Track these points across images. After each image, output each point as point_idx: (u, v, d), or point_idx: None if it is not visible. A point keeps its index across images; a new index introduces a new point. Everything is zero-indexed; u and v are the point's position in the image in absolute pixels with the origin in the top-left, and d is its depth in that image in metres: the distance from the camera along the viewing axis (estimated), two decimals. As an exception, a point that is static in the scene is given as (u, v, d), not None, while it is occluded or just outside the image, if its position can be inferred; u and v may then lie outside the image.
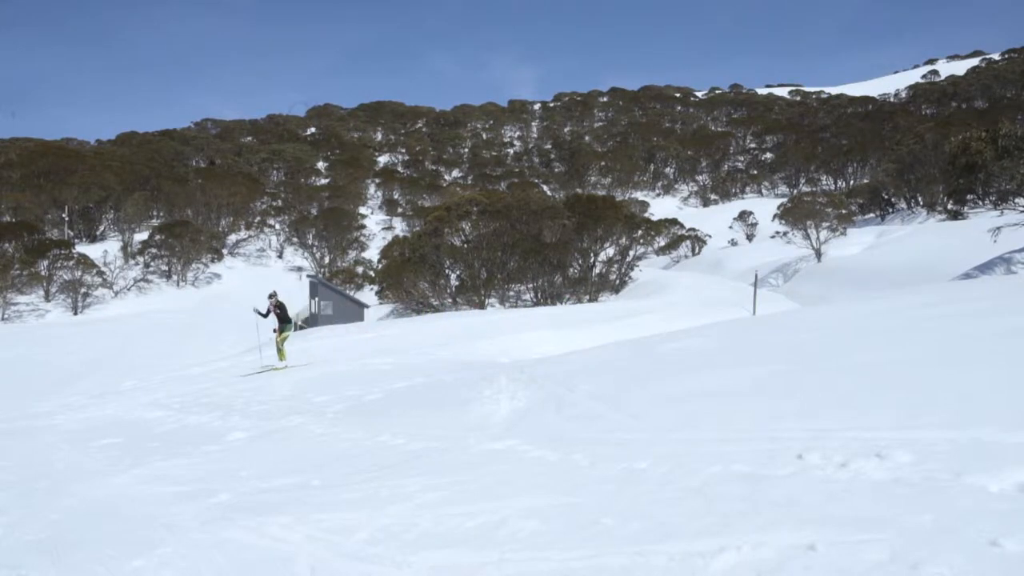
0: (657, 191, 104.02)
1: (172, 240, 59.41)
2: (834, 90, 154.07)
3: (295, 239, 73.12)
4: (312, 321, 43.39)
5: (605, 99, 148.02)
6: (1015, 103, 79.84)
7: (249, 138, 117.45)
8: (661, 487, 3.89)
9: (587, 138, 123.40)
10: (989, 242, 19.49)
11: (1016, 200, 17.90)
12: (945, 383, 5.29)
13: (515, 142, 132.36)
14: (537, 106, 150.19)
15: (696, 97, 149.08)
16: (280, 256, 73.60)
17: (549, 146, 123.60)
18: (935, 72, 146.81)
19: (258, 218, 78.26)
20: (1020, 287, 10.42)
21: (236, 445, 7.34)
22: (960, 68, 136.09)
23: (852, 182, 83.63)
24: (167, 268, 59.91)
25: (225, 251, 69.64)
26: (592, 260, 41.28)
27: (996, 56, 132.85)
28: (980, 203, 20.38)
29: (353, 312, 44.43)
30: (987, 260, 21.03)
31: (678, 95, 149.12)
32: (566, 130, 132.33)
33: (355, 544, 3.51)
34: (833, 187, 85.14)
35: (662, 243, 59.81)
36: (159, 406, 11.07)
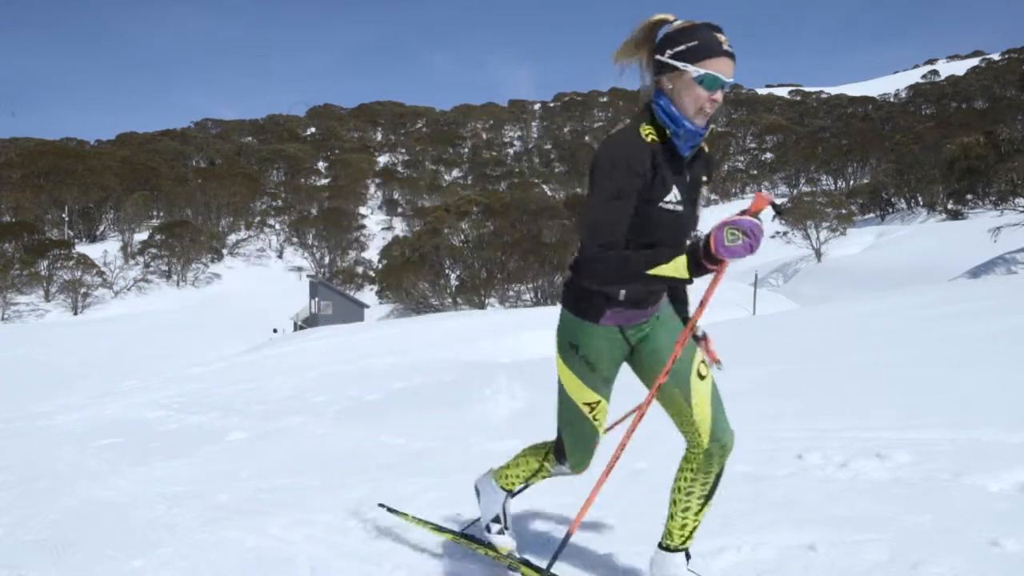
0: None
1: (172, 240, 59.44)
2: (834, 90, 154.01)
3: (295, 239, 73.13)
4: (312, 321, 43.41)
5: (605, 99, 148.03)
6: (1015, 103, 79.78)
7: (249, 138, 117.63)
8: (661, 487, 3.89)
9: (587, 138, 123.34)
10: (989, 242, 19.52)
11: (1016, 200, 17.91)
12: (945, 383, 5.29)
13: (515, 142, 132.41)
14: (537, 106, 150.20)
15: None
16: (280, 256, 73.60)
17: (549, 146, 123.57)
18: (935, 72, 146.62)
19: (258, 218, 78.29)
20: (1020, 287, 10.44)
21: (236, 445, 7.34)
22: (960, 68, 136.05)
23: (852, 182, 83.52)
24: (167, 268, 59.90)
25: (225, 251, 69.66)
26: (593, 260, 41.23)
27: (996, 56, 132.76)
28: (980, 203, 20.42)
29: (353, 312, 44.43)
30: (987, 260, 21.05)
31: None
32: (566, 130, 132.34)
33: (355, 544, 3.51)
34: (833, 187, 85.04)
35: (663, 243, 59.85)
36: (159, 406, 11.07)
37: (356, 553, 3.38)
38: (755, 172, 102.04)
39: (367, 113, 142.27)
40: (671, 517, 2.49)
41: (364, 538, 3.58)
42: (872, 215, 61.34)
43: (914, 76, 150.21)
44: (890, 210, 60.37)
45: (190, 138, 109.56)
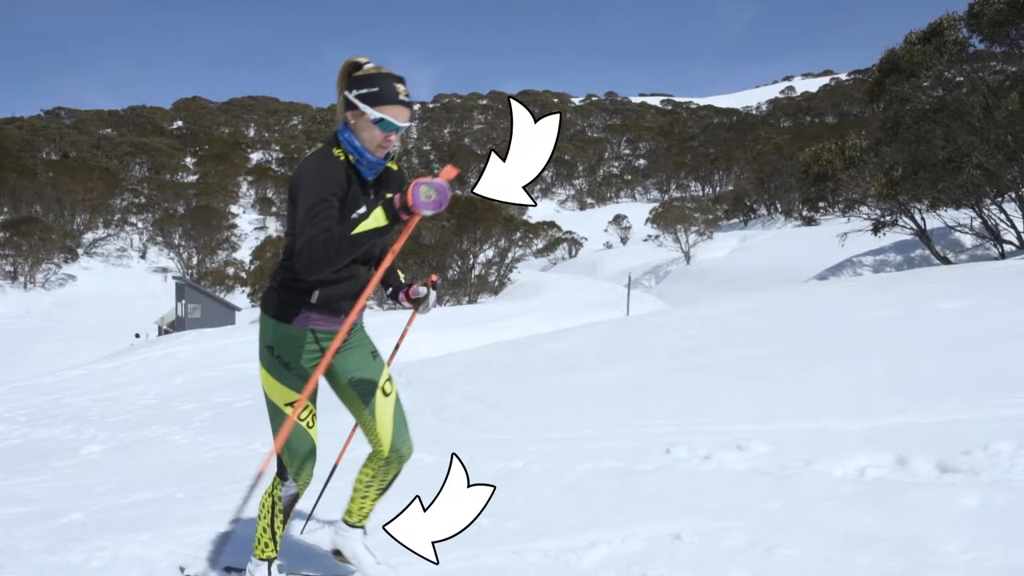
0: (535, 194, 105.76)
1: (18, 238, 54.76)
2: (702, 101, 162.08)
3: (160, 238, 69.26)
4: (179, 325, 41.24)
5: (484, 102, 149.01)
6: (860, 119, 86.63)
7: (108, 130, 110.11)
8: (536, 486, 3.95)
9: (467, 140, 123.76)
10: (838, 246, 21.12)
11: (860, 208, 19.44)
12: (797, 377, 5.67)
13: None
14: (416, 107, 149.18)
15: (573, 103, 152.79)
16: (143, 256, 69.52)
17: (428, 147, 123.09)
18: (791, 88, 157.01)
19: (118, 216, 73.49)
20: (864, 288, 11.32)
21: (91, 459, 6.86)
22: (813, 85, 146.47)
23: (718, 189, 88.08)
24: (12, 269, 55.22)
25: (80, 251, 65.01)
26: (471, 262, 41.45)
27: (843, 76, 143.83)
28: (830, 210, 21.97)
29: (223, 315, 42.63)
30: (837, 263, 22.79)
31: (556, 100, 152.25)
32: (446, 131, 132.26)
33: (220, 560, 3.34)
34: (701, 193, 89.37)
35: (540, 245, 60.95)
36: (0, 419, 10.19)
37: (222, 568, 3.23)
38: (629, 177, 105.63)
39: (238, 108, 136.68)
40: (352, 500, 2.80)
41: (232, 552, 3.42)
42: (736, 220, 64.97)
43: (773, 91, 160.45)
44: (752, 216, 64.19)
45: (39, 128, 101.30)
